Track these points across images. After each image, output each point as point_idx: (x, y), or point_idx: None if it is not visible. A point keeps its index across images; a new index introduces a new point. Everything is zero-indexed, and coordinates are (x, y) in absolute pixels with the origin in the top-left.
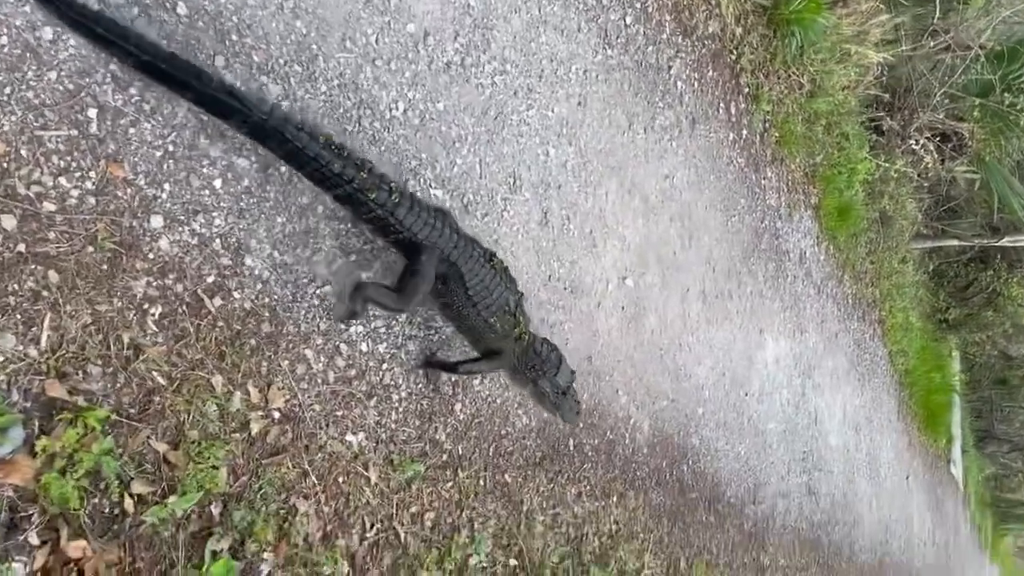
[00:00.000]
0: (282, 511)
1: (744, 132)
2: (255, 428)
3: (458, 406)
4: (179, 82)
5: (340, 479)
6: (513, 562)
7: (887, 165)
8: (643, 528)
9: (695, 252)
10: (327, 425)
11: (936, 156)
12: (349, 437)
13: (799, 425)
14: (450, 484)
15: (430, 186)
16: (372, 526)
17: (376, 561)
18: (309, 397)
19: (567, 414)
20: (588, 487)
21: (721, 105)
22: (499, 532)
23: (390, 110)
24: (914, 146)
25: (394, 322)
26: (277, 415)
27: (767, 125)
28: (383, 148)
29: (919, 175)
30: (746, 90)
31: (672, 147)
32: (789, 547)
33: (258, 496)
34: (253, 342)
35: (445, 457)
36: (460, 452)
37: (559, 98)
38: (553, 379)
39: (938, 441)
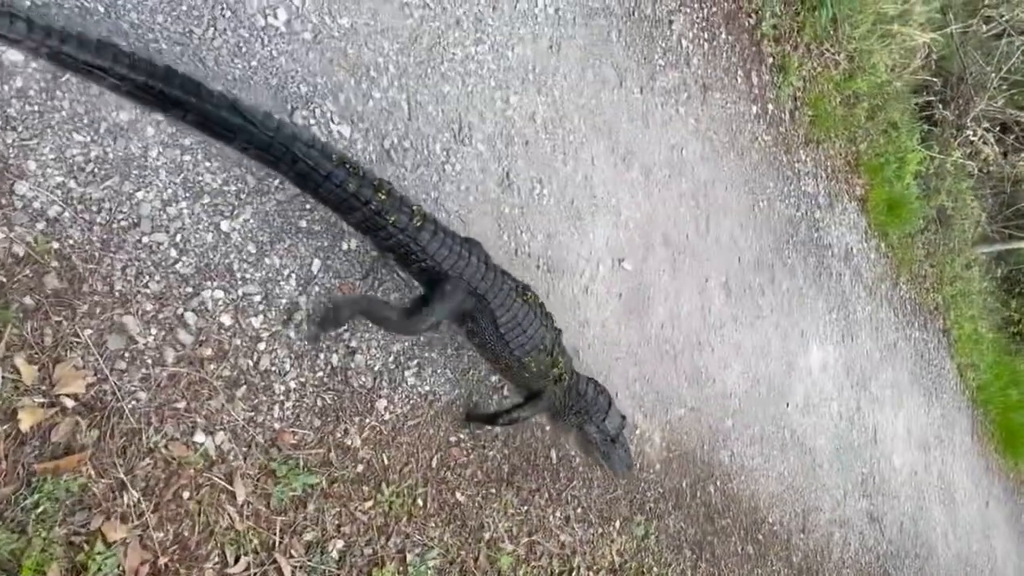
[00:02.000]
0: (77, 538)
1: (770, 107)
2: (26, 420)
3: (382, 403)
4: (177, 102)
5: (184, 495)
6: None
7: (942, 157)
8: (658, 561)
9: (714, 238)
10: (160, 421)
11: (997, 149)
12: (200, 438)
13: (855, 443)
14: (369, 504)
15: (332, 120)
16: (238, 559)
17: None
18: (130, 381)
19: (617, 464)
20: (579, 510)
21: (739, 73)
22: (447, 566)
23: (264, 16)
24: (972, 137)
25: (277, 290)
26: (70, 403)
27: (798, 102)
28: (254, 63)
29: (979, 169)
30: (770, 60)
31: (679, 114)
32: None
33: (32, 516)
34: (29, 301)
35: (360, 469)
36: (385, 463)
37: (522, 37)
38: (601, 424)
39: (1019, 464)
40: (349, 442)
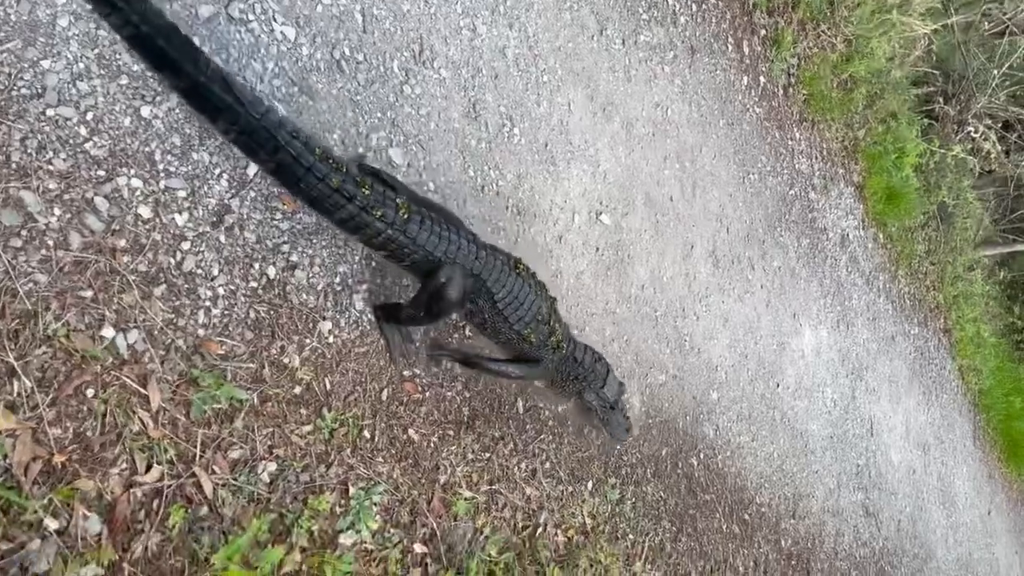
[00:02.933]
0: None
1: (762, 80)
2: None
3: (326, 325)
4: (172, 64)
5: (88, 392)
6: (420, 548)
7: (943, 152)
8: (633, 528)
9: (701, 204)
10: (62, 308)
11: (999, 147)
12: (108, 333)
13: (850, 433)
14: (308, 428)
15: (274, 19)
16: (149, 467)
17: (157, 521)
18: (27, 262)
19: (616, 430)
20: (547, 465)
21: (730, 41)
22: (395, 504)
23: None
24: (973, 134)
25: (205, 188)
26: None
27: (792, 79)
28: None
29: (982, 168)
30: (762, 32)
31: (664, 72)
32: None
33: None
34: None
35: (299, 390)
36: (327, 388)
37: None
38: (600, 391)
39: (1023, 475)
40: (287, 361)
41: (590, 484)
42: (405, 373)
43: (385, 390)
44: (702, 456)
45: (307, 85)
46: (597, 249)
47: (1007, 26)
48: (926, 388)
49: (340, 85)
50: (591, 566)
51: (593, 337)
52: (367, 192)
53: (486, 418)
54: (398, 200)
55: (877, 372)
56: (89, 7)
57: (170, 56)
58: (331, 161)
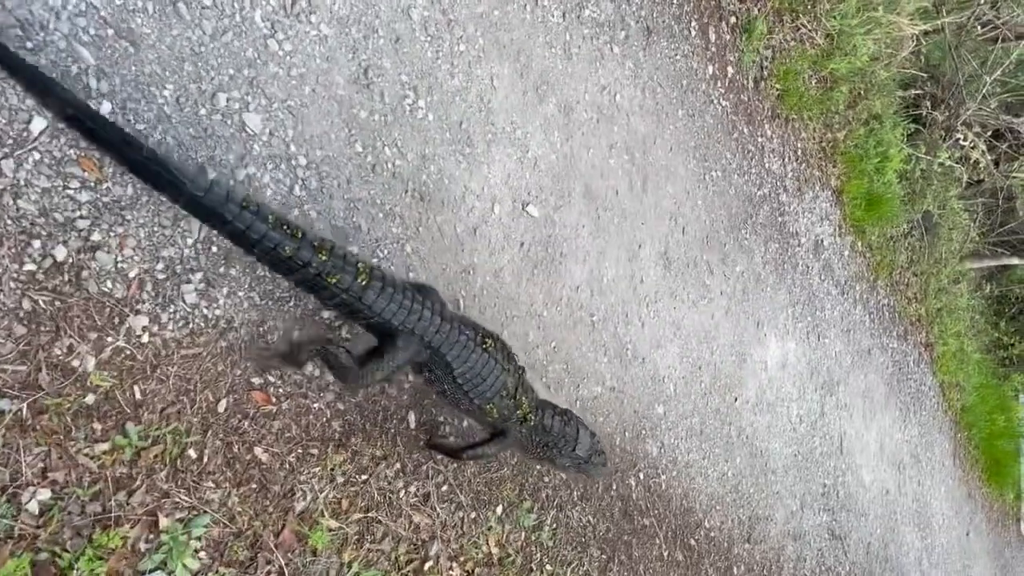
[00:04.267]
0: None
1: (730, 71)
2: None
3: (139, 321)
4: (107, 143)
5: None
6: None
7: (929, 159)
8: (553, 558)
9: (653, 201)
10: None
11: (989, 157)
12: None
13: (817, 451)
14: (104, 447)
15: None
16: None
17: None
18: None
19: (594, 473)
20: (445, 488)
21: (693, 25)
22: (229, 538)
23: None
24: (962, 142)
25: None
26: None
27: (765, 72)
28: None
29: (970, 178)
30: (732, 19)
31: (613, 53)
32: None
33: None
34: None
35: (91, 400)
36: (137, 397)
37: None
38: (572, 454)
39: (1005, 495)
40: (75, 363)
41: (499, 509)
42: (254, 380)
43: (223, 401)
44: (642, 476)
45: (127, 29)
46: (522, 244)
47: (1000, 31)
48: (904, 404)
49: (177, 33)
50: None
51: (513, 342)
52: (323, 258)
53: (365, 435)
54: (358, 265)
55: (850, 387)
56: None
57: (101, 136)
58: (285, 227)
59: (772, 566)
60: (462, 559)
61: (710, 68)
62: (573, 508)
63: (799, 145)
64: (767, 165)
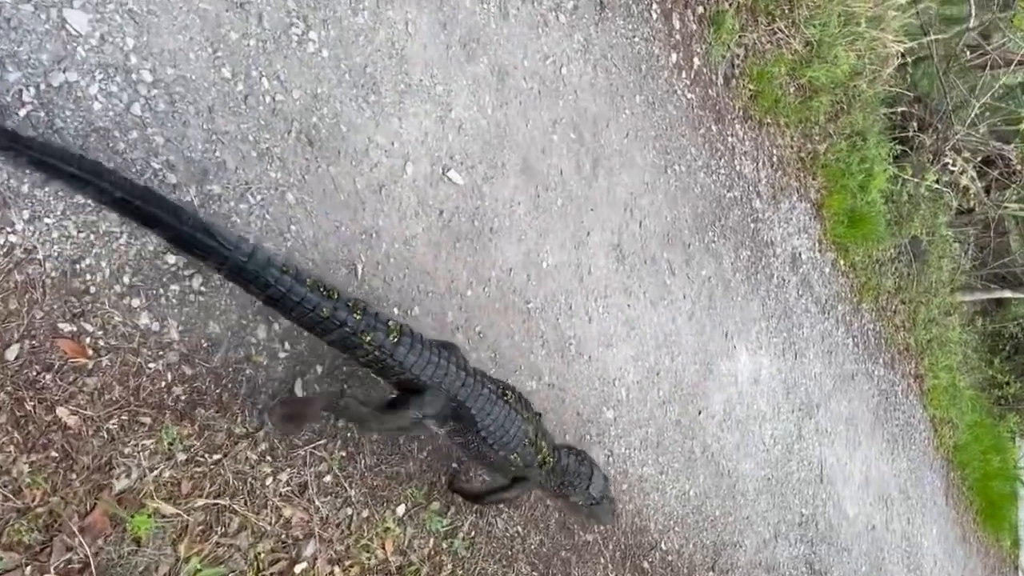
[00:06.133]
0: None
1: (697, 62)
2: None
3: None
4: (154, 219)
5: None
6: None
7: (916, 181)
8: (469, 571)
9: (604, 187)
10: None
11: (979, 184)
12: None
13: (794, 477)
14: None
15: None
16: None
17: None
18: None
19: (603, 518)
20: (329, 479)
21: (654, 8)
22: (11, 516)
23: None
24: (951, 167)
25: None
26: None
27: (737, 71)
28: None
29: (959, 206)
30: (700, 8)
31: (559, 22)
32: None
33: None
34: None
35: None
36: None
37: None
38: (586, 492)
39: (1001, 540)
40: None
41: (401, 509)
42: (62, 326)
43: (15, 347)
44: None
45: None
46: (441, 213)
47: (989, 57)
48: (891, 436)
49: None
50: None
51: (426, 320)
52: (358, 317)
53: (221, 407)
54: (389, 323)
55: (831, 412)
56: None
57: (152, 214)
58: (322, 290)
59: None
60: (347, 563)
61: (673, 56)
62: (498, 516)
63: (774, 152)
64: (738, 167)
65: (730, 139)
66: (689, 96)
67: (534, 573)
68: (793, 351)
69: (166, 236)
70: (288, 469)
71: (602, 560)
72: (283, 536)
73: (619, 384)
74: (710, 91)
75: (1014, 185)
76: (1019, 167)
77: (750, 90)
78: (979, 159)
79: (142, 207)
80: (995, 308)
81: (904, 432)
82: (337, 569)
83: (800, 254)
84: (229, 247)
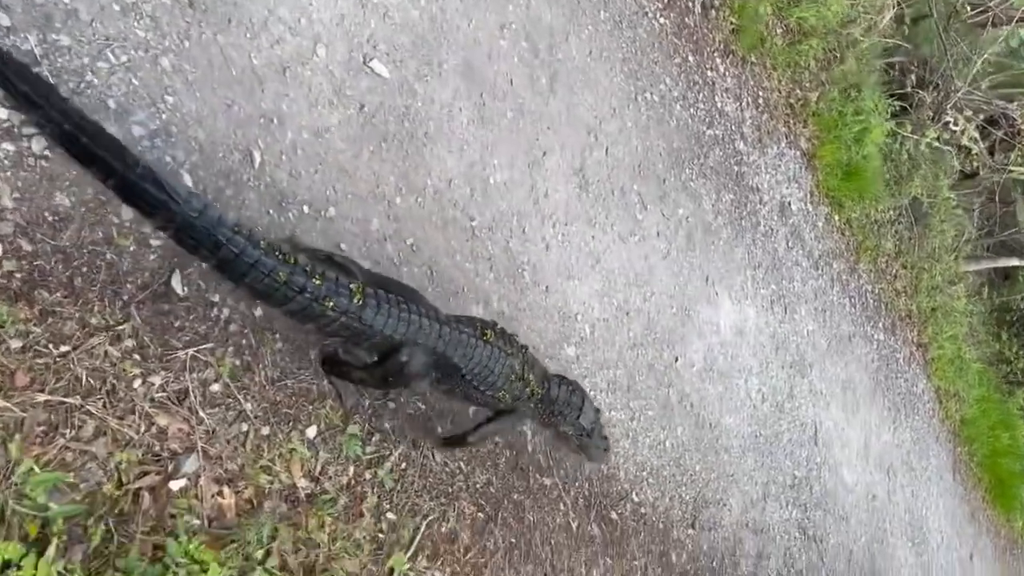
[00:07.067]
0: None
1: None
2: None
3: None
4: (102, 163)
5: None
6: None
7: (916, 138)
8: (396, 505)
9: (563, 106)
10: None
11: (982, 144)
12: None
13: (784, 436)
14: None
15: None
16: None
17: None
18: None
19: (594, 454)
20: (218, 387)
21: None
22: None
23: None
24: (952, 126)
25: None
26: None
27: (716, 1)
28: None
29: (962, 168)
30: None
31: None
32: None
33: None
34: None
35: None
36: None
37: None
38: (576, 422)
39: (1012, 521)
40: None
41: (312, 431)
42: None
43: None
44: None
45: None
46: (362, 107)
47: (991, 14)
48: (893, 404)
49: None
50: (296, 547)
51: (345, 225)
52: (318, 283)
53: (72, 291)
54: (352, 286)
55: (827, 373)
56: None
57: (98, 155)
58: (278, 254)
59: (725, 559)
60: (241, 484)
61: None
62: (435, 449)
63: (760, 93)
64: (719, 104)
65: (709, 73)
66: (662, 21)
67: (480, 514)
68: (783, 305)
69: (110, 182)
70: (163, 372)
71: (562, 506)
72: (156, 447)
73: (582, 320)
74: (687, 19)
75: (1018, 147)
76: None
77: (731, 24)
78: (981, 118)
79: (89, 146)
80: (1003, 280)
81: (907, 401)
82: (227, 489)
83: (789, 204)
84: (178, 200)
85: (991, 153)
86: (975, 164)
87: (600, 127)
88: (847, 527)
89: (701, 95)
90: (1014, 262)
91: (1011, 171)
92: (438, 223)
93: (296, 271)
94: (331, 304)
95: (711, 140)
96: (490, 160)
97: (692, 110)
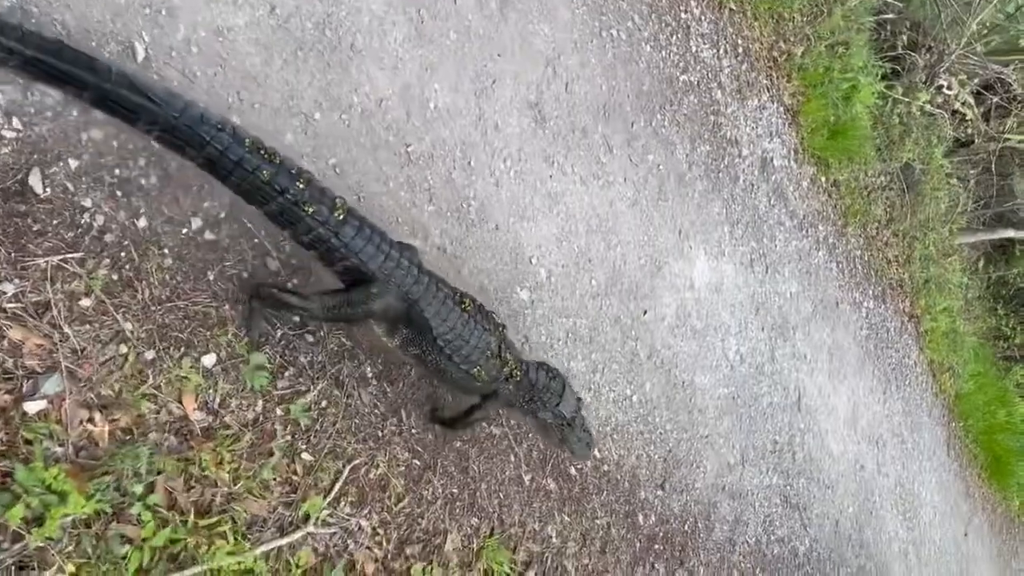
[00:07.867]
0: None
1: None
2: None
3: None
4: (72, 79)
5: None
6: None
7: (907, 100)
8: (313, 446)
9: (515, 32)
10: None
11: (977, 110)
12: None
13: (764, 400)
14: None
15: None
16: None
17: None
18: None
19: (576, 446)
20: (88, 303)
21: None
22: None
23: None
24: (946, 91)
25: None
26: None
27: None
28: None
29: (957, 135)
30: None
31: None
32: None
33: None
34: None
35: None
36: None
37: None
38: (555, 409)
39: (1008, 499)
40: None
41: (210, 359)
42: None
43: None
44: None
45: None
46: (273, 8)
47: None
48: (883, 375)
49: None
50: (188, 484)
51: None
52: (301, 187)
53: None
54: (336, 199)
55: (811, 337)
56: None
57: (68, 72)
58: (262, 152)
59: (698, 523)
60: (116, 412)
61: None
62: (364, 387)
63: (740, 42)
64: (694, 49)
65: (683, 15)
66: None
67: (416, 461)
68: (764, 264)
69: (87, 97)
70: (16, 281)
71: (512, 458)
72: (5, 363)
73: (537, 263)
74: None
75: (1014, 113)
76: (1020, 91)
77: None
78: (976, 83)
79: (57, 65)
80: (999, 254)
81: (898, 372)
82: (98, 416)
83: (771, 159)
84: (159, 102)
85: (986, 119)
86: (970, 131)
87: (559, 60)
88: (833, 496)
89: (675, 38)
90: (1010, 233)
91: (1007, 139)
92: (367, 145)
93: (281, 172)
94: (311, 210)
95: (685, 86)
96: (429, 83)
97: (664, 52)
